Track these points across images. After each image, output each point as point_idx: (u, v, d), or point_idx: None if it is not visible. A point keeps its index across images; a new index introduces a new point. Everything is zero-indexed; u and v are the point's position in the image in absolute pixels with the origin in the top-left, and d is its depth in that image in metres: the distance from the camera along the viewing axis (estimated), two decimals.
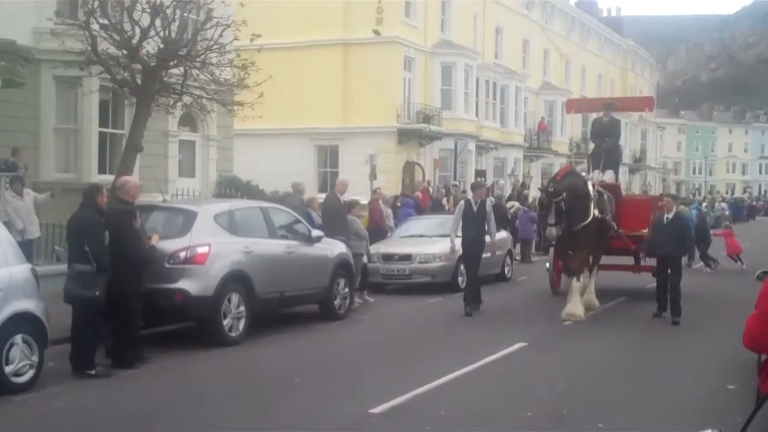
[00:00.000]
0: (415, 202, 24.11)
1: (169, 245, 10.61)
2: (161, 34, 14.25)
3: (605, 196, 15.05)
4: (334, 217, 14.81)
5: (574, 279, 13.90)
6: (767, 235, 39.17)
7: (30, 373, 8.54)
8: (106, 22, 14.20)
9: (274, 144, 32.82)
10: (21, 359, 8.43)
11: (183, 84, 14.96)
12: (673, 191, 67.49)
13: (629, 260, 17.16)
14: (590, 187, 14.30)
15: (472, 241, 14.40)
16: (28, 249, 12.69)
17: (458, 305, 14.38)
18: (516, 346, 11.13)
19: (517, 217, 24.33)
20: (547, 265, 17.26)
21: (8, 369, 8.29)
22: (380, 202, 19.80)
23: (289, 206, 14.18)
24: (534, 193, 26.69)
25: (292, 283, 12.36)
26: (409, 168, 34.44)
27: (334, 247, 13.61)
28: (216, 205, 12.92)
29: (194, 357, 10.36)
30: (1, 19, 16.20)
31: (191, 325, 11.59)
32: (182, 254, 10.69)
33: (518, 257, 23.15)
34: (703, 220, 25.85)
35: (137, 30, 14.03)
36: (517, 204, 26.36)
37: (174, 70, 14.88)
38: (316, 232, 13.17)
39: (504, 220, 21.54)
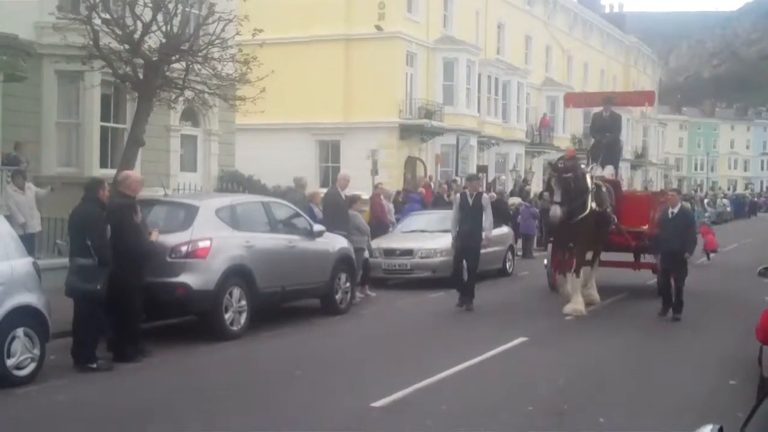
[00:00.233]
0: (420, 197, 24.17)
1: (170, 239, 10.63)
2: (163, 28, 14.23)
3: (603, 189, 14.83)
4: (335, 211, 14.80)
5: (574, 275, 13.86)
6: None
7: (31, 367, 8.56)
8: (108, 16, 14.18)
9: (275, 139, 32.83)
10: (23, 352, 8.46)
11: (185, 79, 14.94)
12: (674, 187, 67.33)
13: (629, 257, 17.12)
14: (588, 180, 14.24)
15: (468, 234, 14.14)
16: (29, 243, 12.71)
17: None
18: (517, 341, 11.13)
19: (519, 213, 24.40)
20: (545, 261, 17.24)
21: (10, 362, 8.31)
22: (382, 197, 19.82)
23: (291, 201, 14.19)
24: (535, 189, 26.70)
25: (294, 277, 12.37)
26: (410, 163, 34.43)
27: (335, 242, 13.62)
28: (217, 199, 12.92)
29: (195, 351, 10.37)
30: (3, 14, 16.21)
31: (192, 319, 11.59)
32: (184, 248, 10.70)
33: (520, 252, 23.24)
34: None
35: (139, 25, 14.02)
36: (518, 200, 26.42)
37: (176, 65, 14.86)
38: (317, 227, 13.18)
39: (505, 216, 21.58)
